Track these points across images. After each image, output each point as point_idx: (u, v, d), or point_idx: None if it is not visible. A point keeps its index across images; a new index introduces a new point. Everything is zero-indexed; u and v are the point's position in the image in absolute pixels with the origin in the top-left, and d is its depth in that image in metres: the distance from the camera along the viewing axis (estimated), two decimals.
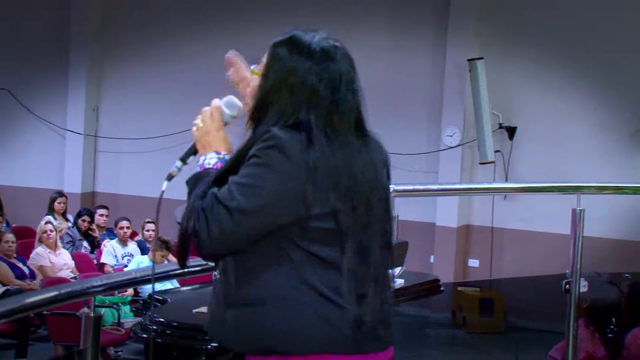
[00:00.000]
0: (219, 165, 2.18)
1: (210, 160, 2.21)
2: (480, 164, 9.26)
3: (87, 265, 8.55)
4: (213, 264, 2.22)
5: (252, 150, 2.07)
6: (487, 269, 9.56)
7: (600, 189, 5.24)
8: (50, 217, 9.08)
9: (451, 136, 9.54)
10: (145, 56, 11.26)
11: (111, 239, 9.09)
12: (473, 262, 9.72)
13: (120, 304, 7.39)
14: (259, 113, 2.15)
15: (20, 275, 7.81)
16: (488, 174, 9.33)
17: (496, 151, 9.28)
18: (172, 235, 7.05)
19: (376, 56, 9.68)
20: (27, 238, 9.02)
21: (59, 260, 8.21)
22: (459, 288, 9.16)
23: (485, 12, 9.60)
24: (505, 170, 9.45)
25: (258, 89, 2.18)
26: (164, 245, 7.92)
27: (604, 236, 8.51)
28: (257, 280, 2.08)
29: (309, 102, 2.10)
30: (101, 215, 9.59)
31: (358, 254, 2.10)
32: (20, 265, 7.95)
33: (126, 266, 8.32)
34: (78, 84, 11.34)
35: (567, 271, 4.13)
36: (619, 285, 5.47)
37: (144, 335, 4.03)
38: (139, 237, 9.15)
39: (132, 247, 8.81)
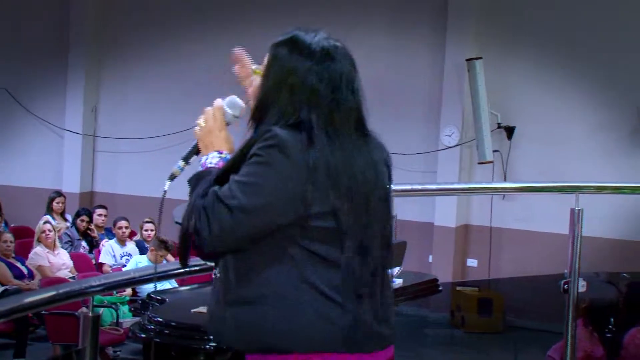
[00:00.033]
0: (221, 164, 2.19)
1: (212, 159, 2.22)
2: (479, 163, 9.26)
3: (86, 265, 8.55)
4: (213, 264, 2.22)
5: (253, 149, 2.07)
6: (485, 269, 9.56)
7: (599, 189, 5.23)
8: (48, 217, 9.08)
9: (450, 136, 9.53)
10: (145, 56, 11.25)
11: (110, 238, 9.09)
12: (471, 262, 9.71)
13: (118, 303, 7.39)
14: (260, 113, 2.16)
15: (19, 275, 7.80)
16: (486, 174, 9.33)
17: (495, 151, 9.27)
18: (170, 235, 7.06)
19: (376, 56, 9.67)
20: (25, 238, 9.02)
21: (57, 260, 8.20)
22: (458, 288, 9.15)
23: (485, 12, 9.60)
24: (503, 170, 9.45)
25: (259, 89, 2.19)
26: (163, 245, 7.91)
27: (602, 236, 8.52)
28: (258, 278, 2.08)
29: (310, 102, 2.10)
30: (100, 215, 9.59)
31: (358, 253, 2.10)
32: (18, 265, 7.95)
33: (125, 266, 8.32)
34: (77, 84, 11.34)
35: (566, 271, 4.13)
36: (617, 285, 5.48)
37: (143, 335, 4.04)
38: (137, 237, 9.15)
39: (131, 246, 8.81)
